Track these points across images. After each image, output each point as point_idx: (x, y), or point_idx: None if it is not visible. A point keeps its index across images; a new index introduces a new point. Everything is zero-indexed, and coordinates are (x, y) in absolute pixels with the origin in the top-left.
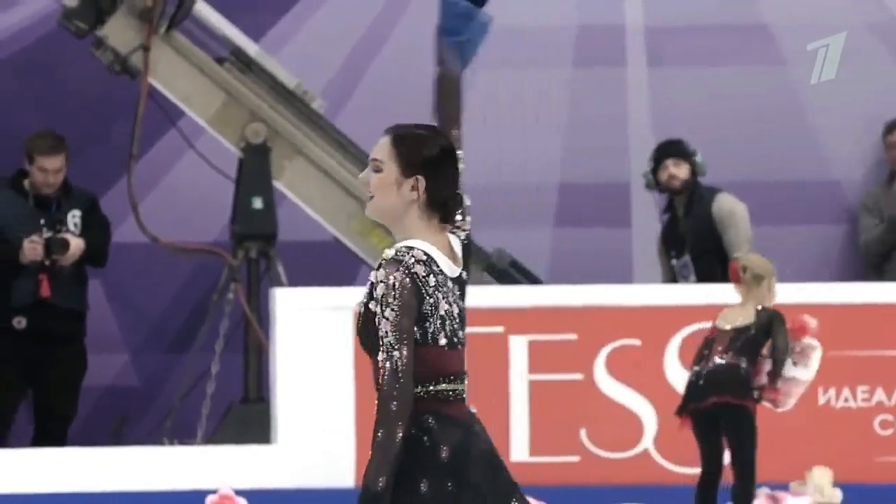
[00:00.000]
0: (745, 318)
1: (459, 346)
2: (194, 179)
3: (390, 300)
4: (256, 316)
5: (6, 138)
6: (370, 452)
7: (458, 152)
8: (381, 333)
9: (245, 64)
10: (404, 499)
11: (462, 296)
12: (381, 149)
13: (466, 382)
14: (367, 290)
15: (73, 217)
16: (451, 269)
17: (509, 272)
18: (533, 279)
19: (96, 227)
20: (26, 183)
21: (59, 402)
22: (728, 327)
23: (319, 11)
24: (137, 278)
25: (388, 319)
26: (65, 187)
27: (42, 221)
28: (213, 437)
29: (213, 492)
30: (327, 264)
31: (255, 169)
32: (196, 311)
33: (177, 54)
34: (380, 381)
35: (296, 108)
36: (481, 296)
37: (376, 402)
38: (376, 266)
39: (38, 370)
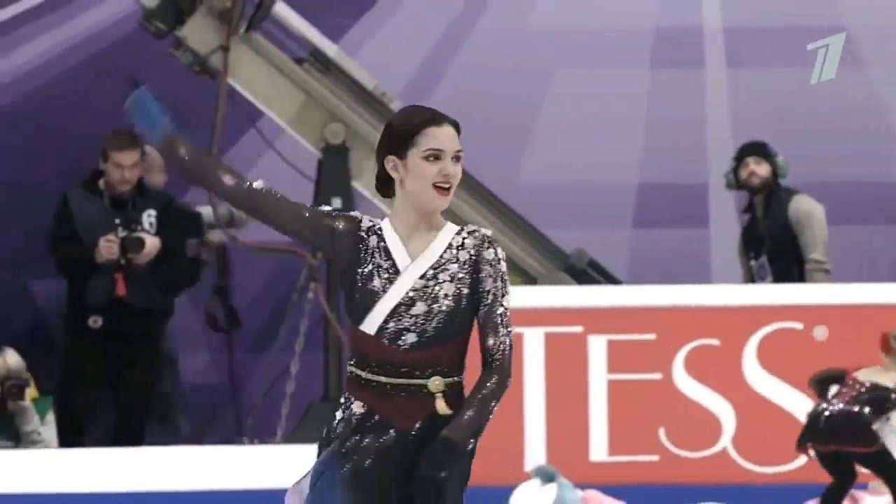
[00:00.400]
0: (886, 380)
1: None
2: (273, 179)
3: (507, 278)
4: (336, 315)
5: (87, 139)
6: (472, 413)
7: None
8: (501, 311)
9: (324, 65)
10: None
11: None
12: (457, 140)
13: None
14: (465, 272)
15: (149, 217)
16: None
17: (588, 272)
18: (611, 279)
19: (171, 227)
20: (101, 183)
21: (136, 400)
22: (863, 380)
23: (398, 13)
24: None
25: (509, 296)
26: (140, 187)
27: (117, 221)
28: (293, 436)
29: None
30: None
31: (334, 169)
32: (276, 310)
33: (256, 55)
34: (502, 356)
35: (374, 108)
36: (560, 296)
37: (496, 376)
38: (480, 244)
39: (115, 369)
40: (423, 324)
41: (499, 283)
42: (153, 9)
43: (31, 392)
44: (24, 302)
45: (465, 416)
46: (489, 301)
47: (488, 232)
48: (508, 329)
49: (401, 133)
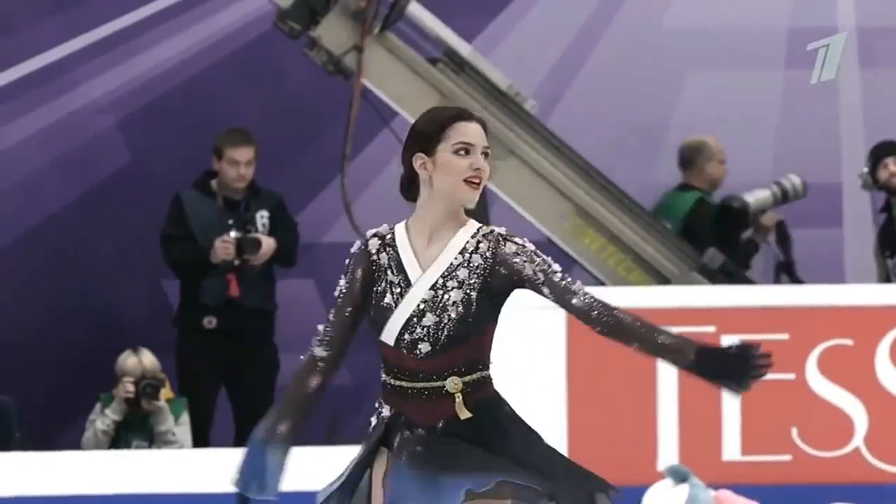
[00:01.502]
0: None
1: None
2: None
3: (543, 255)
4: None
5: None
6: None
7: None
8: (560, 280)
9: (458, 65)
10: None
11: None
12: (485, 136)
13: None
14: (476, 276)
15: (262, 217)
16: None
17: (721, 273)
18: (744, 279)
19: (284, 227)
20: (213, 184)
21: (254, 401)
22: None
23: (532, 12)
24: None
25: (557, 266)
26: (252, 188)
27: (230, 222)
28: None
29: None
30: None
31: None
32: None
33: (390, 55)
34: (597, 301)
35: (508, 108)
36: (693, 296)
37: (615, 311)
38: (496, 245)
39: (231, 369)
40: (434, 333)
41: (538, 262)
42: (287, 9)
43: (165, 392)
44: (157, 301)
45: (670, 337)
46: (542, 280)
47: (502, 230)
48: (580, 286)
49: (430, 129)
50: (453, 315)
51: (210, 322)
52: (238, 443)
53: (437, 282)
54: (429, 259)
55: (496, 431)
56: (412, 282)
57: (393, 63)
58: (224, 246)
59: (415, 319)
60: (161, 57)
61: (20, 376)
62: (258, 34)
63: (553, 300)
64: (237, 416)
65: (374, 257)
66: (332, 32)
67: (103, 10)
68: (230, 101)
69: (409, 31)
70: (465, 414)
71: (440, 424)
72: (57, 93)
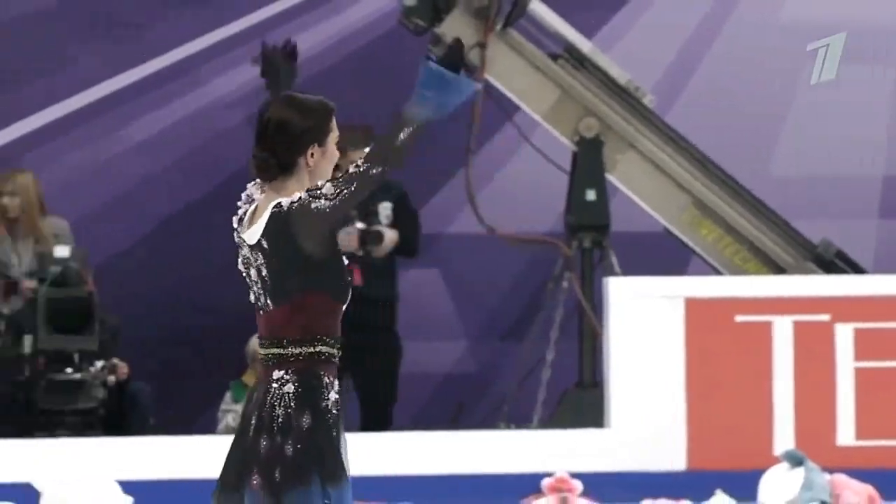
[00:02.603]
0: None
1: (260, 311)
2: (529, 172)
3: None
4: (590, 304)
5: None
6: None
7: None
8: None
9: (578, 60)
10: None
11: (261, 261)
12: None
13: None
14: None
15: (385, 209)
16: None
17: (835, 262)
18: (858, 269)
19: (407, 219)
20: None
21: (379, 388)
22: None
23: (651, 8)
24: (475, 268)
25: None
26: None
27: (354, 213)
28: (549, 422)
29: (550, 475)
30: (659, 254)
31: (588, 162)
32: (531, 299)
33: (512, 51)
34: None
35: (627, 103)
36: (808, 285)
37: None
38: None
39: (355, 357)
40: None
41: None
42: (413, 6)
43: None
44: None
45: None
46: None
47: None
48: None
49: (324, 122)
50: None
51: None
52: (364, 428)
53: None
54: None
55: None
56: None
57: (515, 59)
58: (348, 237)
59: None
60: None
61: (154, 365)
62: (383, 31)
63: None
64: (363, 402)
65: None
66: (456, 29)
67: (230, 9)
68: (353, 98)
69: (530, 27)
70: None
71: None
72: (184, 90)
